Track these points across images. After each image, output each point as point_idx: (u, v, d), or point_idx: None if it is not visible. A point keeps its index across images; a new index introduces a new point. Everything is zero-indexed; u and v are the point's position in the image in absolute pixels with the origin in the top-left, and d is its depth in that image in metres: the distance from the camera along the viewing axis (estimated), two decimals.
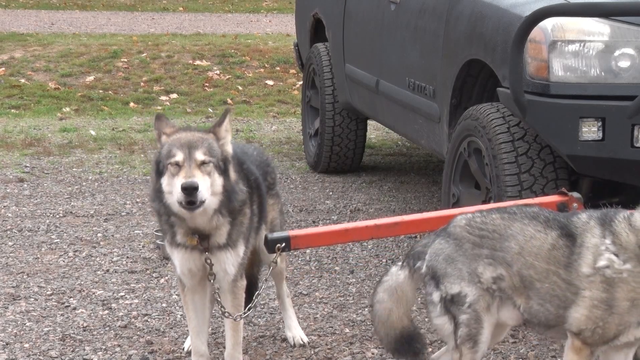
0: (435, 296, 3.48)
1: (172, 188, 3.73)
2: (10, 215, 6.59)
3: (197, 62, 11.82)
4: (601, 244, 3.32)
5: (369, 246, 5.96)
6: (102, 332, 4.67)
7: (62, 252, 5.85)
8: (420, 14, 5.83)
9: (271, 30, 15.86)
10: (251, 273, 4.38)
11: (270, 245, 3.99)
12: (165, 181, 3.77)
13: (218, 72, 11.63)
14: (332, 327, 4.74)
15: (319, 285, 5.34)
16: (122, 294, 5.17)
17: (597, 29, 4.49)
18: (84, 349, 4.47)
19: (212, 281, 3.91)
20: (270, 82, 11.46)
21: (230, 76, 11.56)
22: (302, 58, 8.53)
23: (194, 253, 3.89)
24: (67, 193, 7.17)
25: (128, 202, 6.96)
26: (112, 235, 6.18)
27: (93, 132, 9.20)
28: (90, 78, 11.26)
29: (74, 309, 4.96)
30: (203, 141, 3.78)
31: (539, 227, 3.41)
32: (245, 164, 4.06)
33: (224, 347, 4.13)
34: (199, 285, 4.02)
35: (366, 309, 4.90)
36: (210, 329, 4.52)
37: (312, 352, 4.46)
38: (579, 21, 4.50)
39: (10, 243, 6.00)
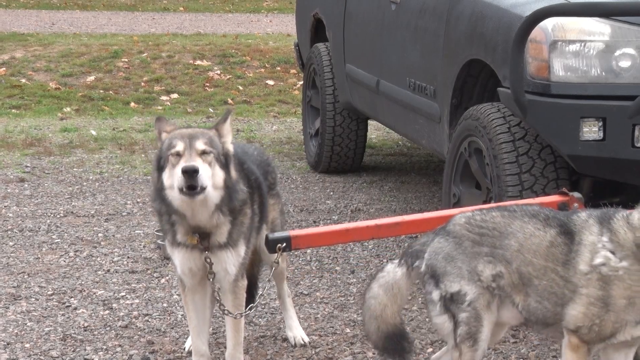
0: (435, 295, 3.48)
1: (173, 179, 3.71)
2: (11, 215, 6.59)
3: (198, 62, 11.82)
4: (598, 242, 3.33)
5: (370, 246, 5.96)
6: (103, 332, 4.67)
7: (62, 252, 5.85)
8: (421, 14, 5.83)
9: (272, 30, 15.87)
10: (251, 273, 4.38)
11: (271, 245, 3.99)
12: (166, 175, 3.76)
13: (219, 72, 11.63)
14: (333, 327, 4.74)
15: (320, 285, 5.35)
16: (123, 294, 5.17)
17: (597, 29, 4.49)
18: (85, 349, 4.47)
19: (211, 280, 3.90)
20: (270, 82, 11.46)
21: (230, 76, 11.56)
22: (302, 58, 8.53)
23: (194, 252, 3.89)
24: (67, 193, 7.17)
25: (129, 202, 6.96)
26: (113, 235, 6.18)
27: (94, 132, 9.20)
28: (91, 78, 11.27)
29: (75, 309, 4.96)
30: (204, 134, 3.81)
31: (538, 224, 3.42)
32: (245, 164, 4.06)
33: (225, 347, 4.13)
34: (199, 285, 4.02)
35: None
36: (211, 329, 4.52)
37: (313, 352, 4.46)
38: (580, 21, 4.50)
39: (11, 243, 6.01)
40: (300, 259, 5.75)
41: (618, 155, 4.44)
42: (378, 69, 6.57)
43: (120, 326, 4.73)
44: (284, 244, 3.98)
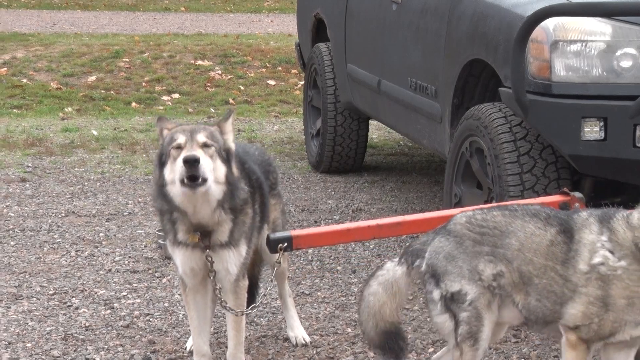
0: (436, 294, 3.48)
1: (174, 172, 3.70)
2: (12, 215, 6.59)
3: (199, 62, 11.82)
4: (597, 241, 3.34)
5: (371, 246, 5.96)
6: (104, 331, 4.67)
7: (64, 251, 5.86)
8: (422, 13, 5.83)
9: (273, 30, 15.87)
10: (252, 273, 4.38)
11: (272, 245, 3.99)
12: (167, 170, 3.75)
13: (220, 72, 11.64)
14: (334, 327, 4.75)
15: (321, 285, 5.35)
16: (125, 293, 5.17)
17: (598, 29, 4.49)
18: (86, 349, 4.48)
19: (212, 278, 3.89)
20: (272, 82, 11.46)
21: (232, 76, 11.56)
22: (303, 58, 8.53)
23: (196, 252, 3.88)
24: (69, 193, 7.17)
25: (130, 202, 6.97)
26: (114, 235, 6.18)
27: (95, 132, 9.21)
28: (92, 78, 11.27)
29: (76, 308, 4.96)
30: (206, 128, 3.82)
31: (539, 223, 3.42)
32: (247, 164, 4.06)
33: (227, 347, 4.13)
34: (200, 285, 4.01)
35: None
36: (212, 328, 4.52)
37: (315, 352, 4.46)
38: (581, 21, 4.50)
39: (12, 243, 6.01)
40: (302, 259, 5.76)
41: (619, 155, 4.44)
42: (379, 68, 6.57)
43: (121, 326, 4.74)
44: (285, 244, 3.98)
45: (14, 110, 10.22)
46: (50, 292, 5.18)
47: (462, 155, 5.12)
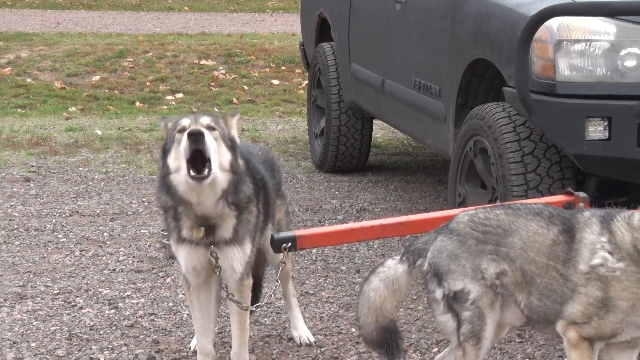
0: (438, 294, 3.48)
1: (179, 155, 3.66)
2: (16, 214, 6.60)
3: (203, 62, 11.83)
4: (597, 242, 3.33)
5: (375, 246, 5.96)
6: (108, 331, 4.68)
7: (68, 251, 5.86)
8: (426, 13, 5.83)
9: (277, 29, 15.87)
10: (256, 274, 4.38)
11: (277, 245, 3.99)
12: (171, 157, 3.73)
13: (224, 71, 11.64)
14: (338, 327, 4.75)
15: (325, 284, 5.35)
16: (129, 293, 5.18)
17: (603, 29, 4.49)
18: (91, 348, 4.48)
19: (217, 273, 3.88)
20: (275, 82, 11.47)
21: (235, 76, 11.57)
22: (307, 57, 8.53)
23: (199, 249, 3.87)
24: (73, 192, 7.18)
25: (134, 201, 6.97)
26: (119, 235, 6.19)
27: (99, 132, 9.22)
28: (96, 77, 11.28)
29: (81, 308, 4.97)
30: (210, 114, 3.82)
31: (541, 222, 3.42)
32: (251, 163, 4.05)
33: (231, 347, 4.13)
34: (204, 283, 4.01)
35: None
36: (217, 328, 4.52)
37: (319, 352, 4.46)
38: (585, 20, 4.50)
39: (16, 242, 6.02)
40: (306, 259, 5.76)
41: (624, 154, 4.43)
42: (383, 68, 6.57)
43: (125, 325, 4.74)
44: (289, 244, 3.98)
45: (18, 109, 10.23)
46: (55, 292, 5.18)
47: (466, 155, 5.12)
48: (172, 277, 5.42)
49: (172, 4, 20.01)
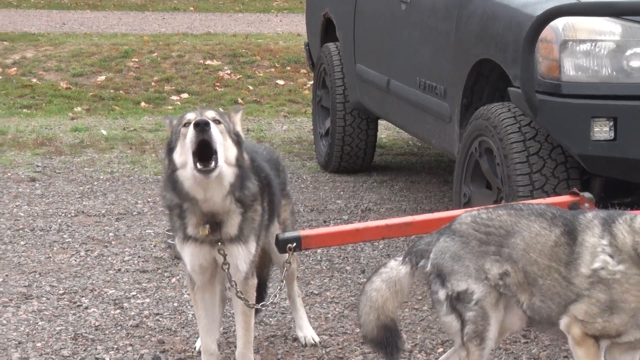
0: (441, 294, 3.48)
1: (185, 150, 3.65)
2: (22, 214, 6.61)
3: (208, 62, 11.84)
4: (598, 245, 3.32)
5: (381, 246, 5.96)
6: (113, 331, 4.68)
7: (73, 251, 5.87)
8: (431, 13, 5.83)
9: (282, 29, 15.87)
10: (261, 274, 4.37)
11: (282, 245, 3.99)
12: (177, 153, 3.71)
13: (229, 71, 11.65)
14: (343, 327, 4.74)
15: (330, 284, 5.35)
16: (134, 293, 5.18)
17: (608, 29, 4.48)
18: (96, 348, 4.48)
19: (227, 270, 3.86)
20: (281, 82, 11.47)
21: (241, 76, 11.57)
22: (312, 58, 8.54)
23: (205, 247, 3.86)
24: (78, 192, 7.19)
25: (139, 201, 6.98)
26: (124, 235, 6.19)
27: (104, 132, 9.23)
28: (102, 78, 11.29)
29: (86, 308, 4.97)
30: (215, 109, 3.81)
31: (544, 223, 3.41)
32: (256, 161, 4.04)
33: (236, 347, 4.13)
34: (209, 283, 4.01)
35: None
36: (222, 328, 4.53)
37: (324, 352, 4.46)
38: (590, 21, 4.49)
39: (22, 242, 6.03)
40: (311, 259, 5.76)
41: (629, 155, 4.43)
42: (388, 68, 6.57)
43: (131, 325, 4.74)
44: (295, 244, 3.98)
45: (24, 110, 10.25)
46: (60, 292, 5.19)
47: (472, 155, 5.11)
48: (177, 277, 5.43)
49: (177, 4, 20.03)
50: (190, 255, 3.89)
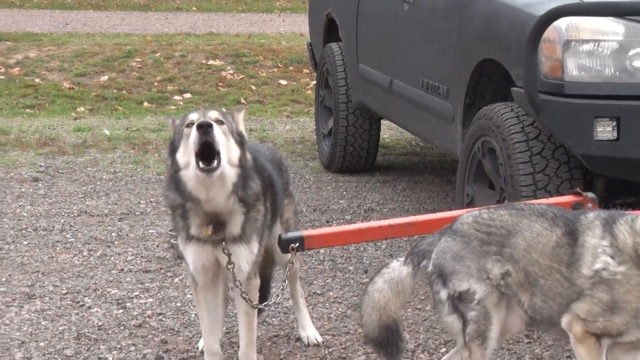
0: (443, 294, 3.48)
1: (188, 150, 3.66)
2: (25, 214, 6.62)
3: (211, 62, 11.84)
4: (599, 246, 3.32)
5: (383, 246, 5.96)
6: (116, 331, 4.68)
7: (76, 251, 5.87)
8: (434, 13, 5.83)
9: (284, 30, 15.88)
10: (264, 274, 4.37)
11: (284, 245, 3.99)
12: (180, 153, 3.72)
13: (231, 71, 11.65)
14: (346, 327, 4.75)
15: (333, 284, 5.35)
16: (137, 293, 5.19)
17: (611, 29, 4.48)
18: (99, 348, 4.49)
19: (231, 270, 3.85)
20: (283, 82, 11.47)
21: (243, 76, 11.58)
22: (315, 58, 8.54)
23: (207, 247, 3.86)
24: (81, 192, 7.19)
25: (142, 201, 6.98)
26: (127, 235, 6.20)
27: (107, 132, 9.23)
28: (105, 78, 11.30)
29: (89, 308, 4.97)
30: (218, 109, 3.82)
31: (545, 224, 3.41)
32: (259, 161, 4.04)
33: (238, 347, 4.13)
34: (211, 283, 4.01)
35: None
36: (225, 328, 4.53)
37: (326, 352, 4.46)
38: (594, 21, 4.49)
39: (25, 242, 6.03)
40: (314, 259, 5.76)
41: (632, 155, 4.43)
42: (391, 68, 6.57)
43: (134, 325, 4.75)
44: (297, 244, 3.98)
45: (27, 110, 10.26)
46: (63, 292, 5.19)
47: (474, 155, 5.11)
48: (180, 277, 5.43)
49: (180, 4, 20.04)
50: (193, 255, 3.89)
